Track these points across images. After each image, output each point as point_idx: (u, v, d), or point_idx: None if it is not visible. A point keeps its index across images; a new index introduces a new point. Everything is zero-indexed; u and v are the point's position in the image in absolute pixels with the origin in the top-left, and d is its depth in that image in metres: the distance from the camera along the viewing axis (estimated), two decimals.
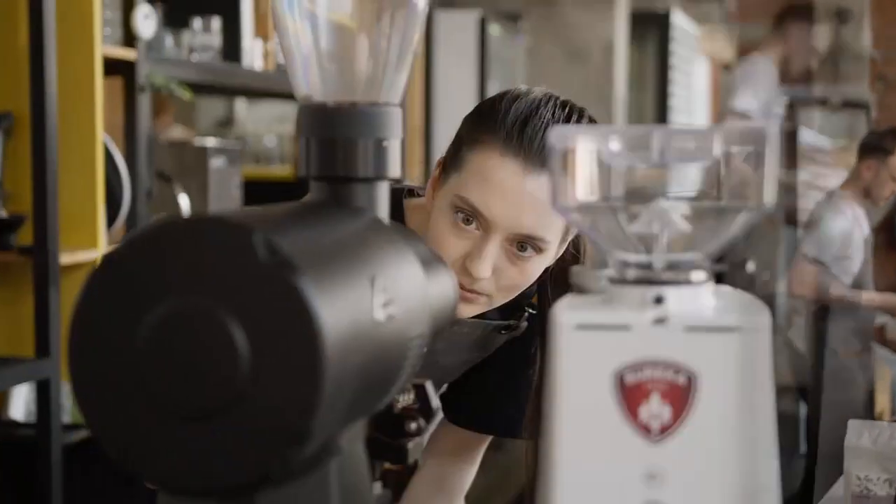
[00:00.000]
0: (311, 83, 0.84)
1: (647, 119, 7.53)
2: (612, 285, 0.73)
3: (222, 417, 0.62)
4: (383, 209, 0.84)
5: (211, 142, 3.19)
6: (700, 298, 0.71)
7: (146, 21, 2.70)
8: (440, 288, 0.88)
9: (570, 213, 0.74)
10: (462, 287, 1.27)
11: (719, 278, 0.75)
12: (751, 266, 4.62)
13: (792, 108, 4.87)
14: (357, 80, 0.84)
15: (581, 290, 0.78)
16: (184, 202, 2.93)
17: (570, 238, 1.35)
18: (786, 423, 4.95)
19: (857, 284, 4.26)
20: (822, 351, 4.20)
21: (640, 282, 0.71)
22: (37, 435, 2.43)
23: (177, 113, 4.47)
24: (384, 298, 0.72)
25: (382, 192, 0.84)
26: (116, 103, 2.74)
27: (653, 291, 0.71)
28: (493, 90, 6.11)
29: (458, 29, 4.68)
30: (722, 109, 4.44)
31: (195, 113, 5.24)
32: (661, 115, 7.50)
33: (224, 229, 0.63)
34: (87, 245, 2.56)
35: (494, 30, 4.95)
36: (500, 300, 1.31)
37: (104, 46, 2.61)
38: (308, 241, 0.68)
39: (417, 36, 0.86)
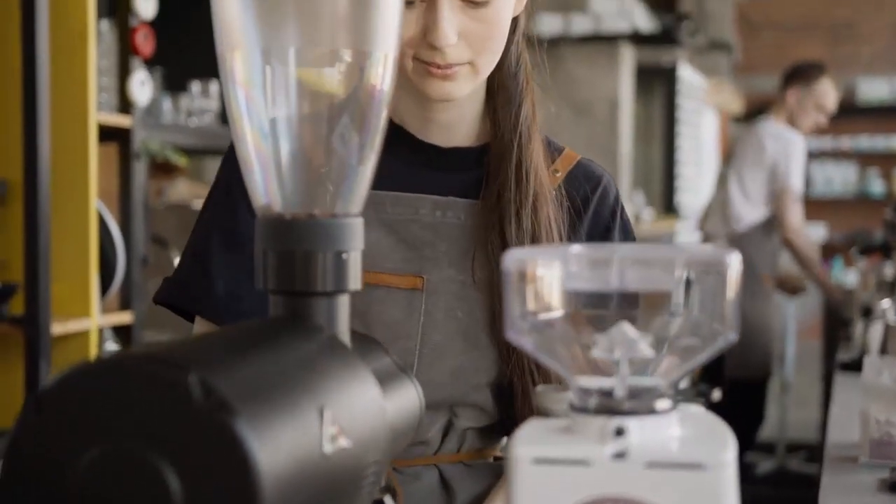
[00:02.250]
0: (269, 193, 0.82)
1: (655, 172, 7.52)
2: (572, 412, 0.70)
3: None
4: (343, 324, 0.81)
5: None
6: (664, 429, 0.68)
7: (142, 88, 2.69)
8: (401, 402, 0.85)
9: (526, 336, 0.71)
10: (436, 66, 1.17)
11: None
12: None
13: None
14: (316, 191, 0.82)
15: (543, 413, 0.76)
16: None
17: None
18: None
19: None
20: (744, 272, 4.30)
21: (600, 411, 0.69)
22: None
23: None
24: (334, 429, 0.69)
25: (342, 306, 0.81)
26: (112, 169, 2.73)
27: (614, 422, 0.68)
28: None
29: None
30: (774, 186, 4.46)
31: (202, 164, 5.24)
32: (669, 167, 7.48)
33: (158, 369, 0.61)
34: (80, 314, 2.54)
35: None
36: (486, 63, 1.20)
37: (99, 113, 2.60)
38: (250, 375, 0.65)
39: (378, 143, 0.84)
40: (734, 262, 0.68)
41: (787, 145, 4.41)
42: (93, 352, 2.56)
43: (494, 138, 1.27)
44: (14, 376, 2.47)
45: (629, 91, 5.67)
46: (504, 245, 1.21)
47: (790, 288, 4.90)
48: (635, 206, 6.33)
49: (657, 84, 7.24)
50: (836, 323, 4.91)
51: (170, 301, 1.26)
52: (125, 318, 2.75)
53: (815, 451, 5.08)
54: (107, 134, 2.68)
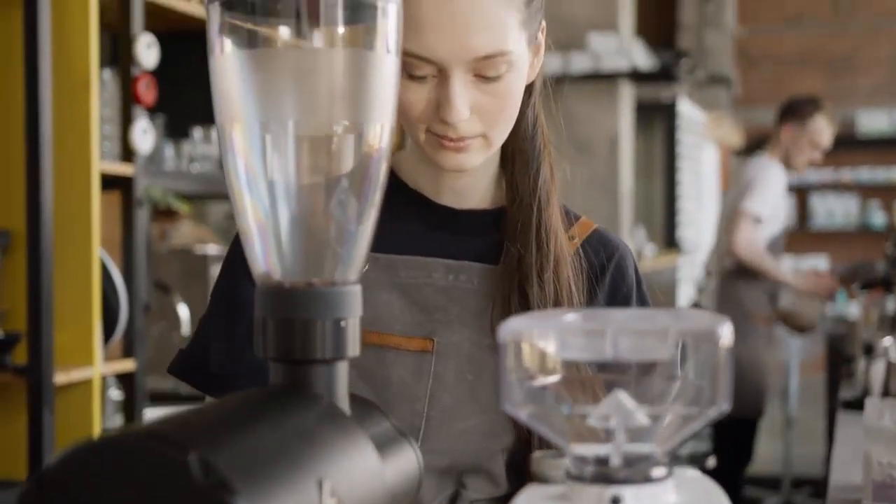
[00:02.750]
0: (268, 262, 0.83)
1: (656, 207, 7.54)
2: (569, 480, 0.71)
3: None
4: (342, 390, 0.82)
5: (213, 249, 3.19)
6: (660, 497, 0.69)
7: (144, 136, 2.72)
8: (400, 466, 0.86)
9: (522, 405, 0.72)
10: (449, 139, 1.16)
11: None
12: None
13: None
14: (314, 259, 0.83)
15: (540, 479, 0.76)
16: (183, 312, 2.92)
17: (539, 40, 1.23)
18: None
19: (772, 249, 4.39)
20: (733, 311, 4.23)
21: (596, 479, 0.69)
22: None
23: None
24: (333, 501, 0.70)
25: (341, 373, 0.82)
26: (114, 217, 2.75)
27: (610, 491, 0.68)
28: None
29: None
30: (730, 207, 4.45)
31: (204, 208, 5.27)
32: (670, 202, 7.51)
33: (158, 447, 0.62)
34: (83, 363, 2.55)
35: None
36: (499, 135, 1.19)
37: (102, 162, 2.62)
38: (249, 450, 0.66)
39: (375, 211, 0.85)
40: (726, 333, 0.69)
41: (759, 170, 4.42)
42: (96, 400, 2.57)
43: (513, 203, 1.26)
44: (17, 426, 2.47)
45: (629, 128, 5.70)
46: (527, 309, 1.20)
47: (797, 326, 4.86)
48: (637, 242, 6.35)
49: (657, 119, 7.27)
50: (839, 358, 4.90)
51: (175, 373, 1.30)
52: (128, 365, 2.76)
53: (820, 487, 5.07)
54: (109, 182, 2.70)
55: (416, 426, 1.20)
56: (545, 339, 0.71)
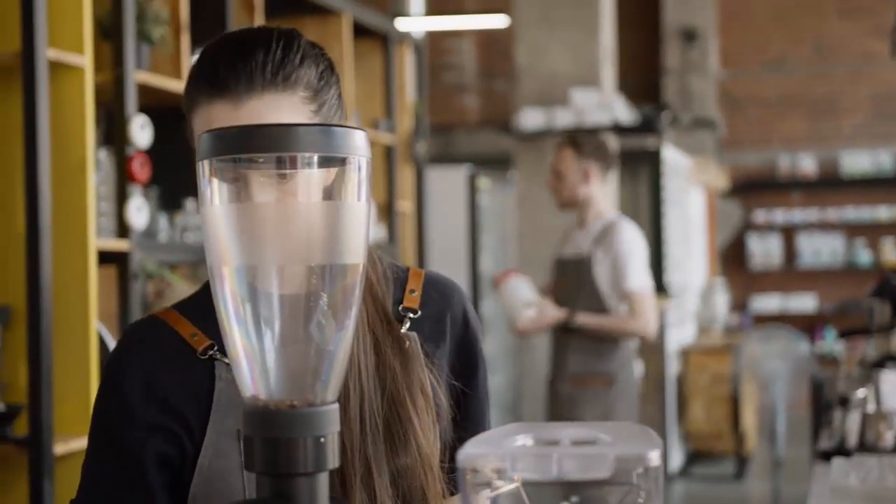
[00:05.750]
0: (255, 386, 0.93)
1: None
2: None
3: None
4: (322, 500, 0.92)
5: None
6: None
7: (139, 213, 2.82)
8: None
9: None
10: None
11: None
12: None
13: None
14: (296, 383, 0.93)
15: None
16: None
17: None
18: None
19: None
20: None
21: None
22: None
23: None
24: None
25: (322, 484, 0.92)
26: (111, 291, 2.84)
27: None
28: (484, 240, 6.24)
29: (449, 183, 4.82)
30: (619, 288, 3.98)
31: (199, 270, 5.37)
32: (657, 248, 7.61)
33: None
34: (82, 433, 2.63)
35: (484, 183, 5.09)
36: None
37: (99, 239, 2.72)
38: None
39: (350, 337, 0.95)
40: (654, 457, 0.79)
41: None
42: None
43: None
44: (19, 495, 2.55)
45: (614, 177, 5.82)
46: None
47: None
48: None
49: (642, 167, 7.39)
50: (822, 402, 4.98)
51: None
52: None
53: None
54: (106, 257, 2.79)
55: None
56: (498, 462, 0.81)
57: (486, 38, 10.00)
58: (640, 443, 0.81)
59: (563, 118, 5.38)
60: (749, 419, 7.28)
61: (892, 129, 10.17)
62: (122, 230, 2.84)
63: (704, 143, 9.67)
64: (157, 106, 3.09)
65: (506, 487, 0.81)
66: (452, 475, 1.27)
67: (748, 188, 10.40)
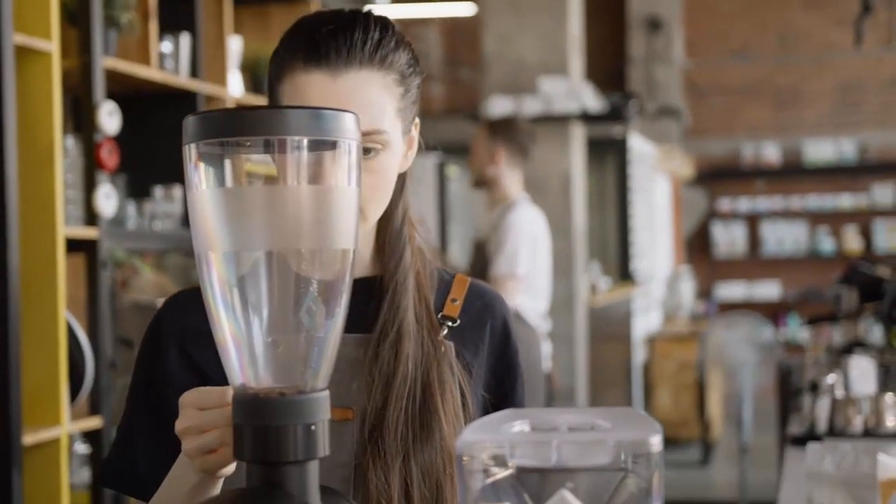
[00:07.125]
0: (244, 374, 0.91)
1: (610, 241, 7.67)
2: None
3: None
4: (313, 487, 0.90)
5: None
6: None
7: (107, 200, 2.78)
8: None
9: None
10: None
11: None
12: None
13: None
14: (286, 371, 0.91)
15: None
16: None
17: (413, 134, 1.30)
18: None
19: None
20: None
21: None
22: None
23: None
24: None
25: (312, 472, 0.91)
26: (79, 279, 2.81)
27: None
28: (453, 229, 6.23)
29: (418, 171, 4.78)
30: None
31: (165, 258, 5.31)
32: (623, 235, 7.64)
33: None
34: (51, 423, 2.60)
35: (453, 171, 5.08)
36: (374, 210, 1.25)
37: (67, 227, 2.68)
38: None
39: (340, 325, 0.94)
40: (655, 442, 0.78)
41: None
42: (63, 458, 2.62)
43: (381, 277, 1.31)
44: None
45: (581, 166, 5.82)
46: (372, 378, 1.25)
47: None
48: (592, 276, 6.46)
49: (609, 155, 7.41)
50: (789, 388, 5.01)
51: (111, 486, 1.32)
52: (95, 422, 2.82)
53: None
54: (74, 245, 2.76)
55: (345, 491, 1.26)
56: (497, 449, 0.80)
57: (452, 27, 9.98)
58: (639, 428, 0.80)
59: (532, 106, 5.37)
60: (715, 406, 7.33)
61: (854, 119, 10.25)
62: (91, 218, 2.80)
63: (669, 131, 9.70)
64: (126, 92, 3.05)
65: (502, 474, 0.80)
66: None
67: (713, 176, 10.45)
